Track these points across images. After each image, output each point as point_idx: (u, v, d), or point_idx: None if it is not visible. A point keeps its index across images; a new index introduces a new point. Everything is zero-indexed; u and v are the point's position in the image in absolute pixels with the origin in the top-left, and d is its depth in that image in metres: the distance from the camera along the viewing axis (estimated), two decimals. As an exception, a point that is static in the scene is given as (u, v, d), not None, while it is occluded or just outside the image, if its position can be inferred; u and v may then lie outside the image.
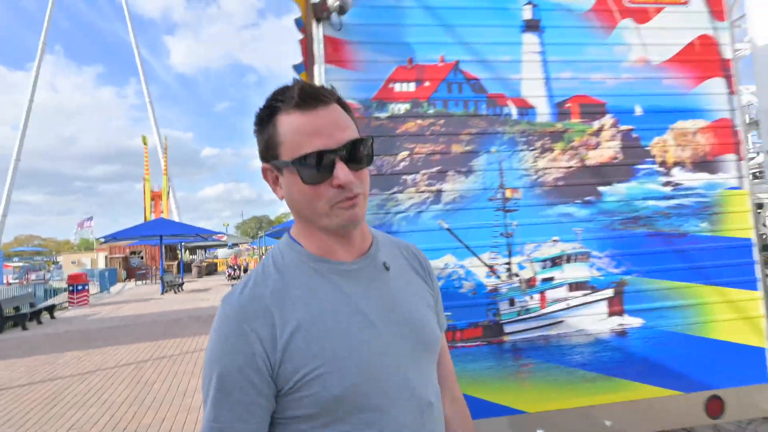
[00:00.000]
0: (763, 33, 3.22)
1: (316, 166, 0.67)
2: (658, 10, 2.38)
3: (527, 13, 2.29)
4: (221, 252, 34.13)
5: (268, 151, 0.72)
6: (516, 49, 2.26)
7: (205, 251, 41.17)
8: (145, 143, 33.64)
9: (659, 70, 2.36)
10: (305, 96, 0.68)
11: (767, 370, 2.30)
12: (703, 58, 2.40)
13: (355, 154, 0.69)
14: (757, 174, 7.30)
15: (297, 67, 2.15)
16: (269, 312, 0.67)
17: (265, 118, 0.72)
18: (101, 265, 25.00)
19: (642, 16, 2.37)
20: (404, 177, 2.12)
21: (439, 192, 2.13)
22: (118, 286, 20.17)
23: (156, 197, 34.73)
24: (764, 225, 7.75)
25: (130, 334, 7.88)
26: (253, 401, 0.65)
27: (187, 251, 38.42)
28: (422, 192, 2.12)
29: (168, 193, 34.05)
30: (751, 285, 2.33)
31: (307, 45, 2.15)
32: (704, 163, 2.36)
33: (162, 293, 15.42)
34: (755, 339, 2.31)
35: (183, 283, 16.43)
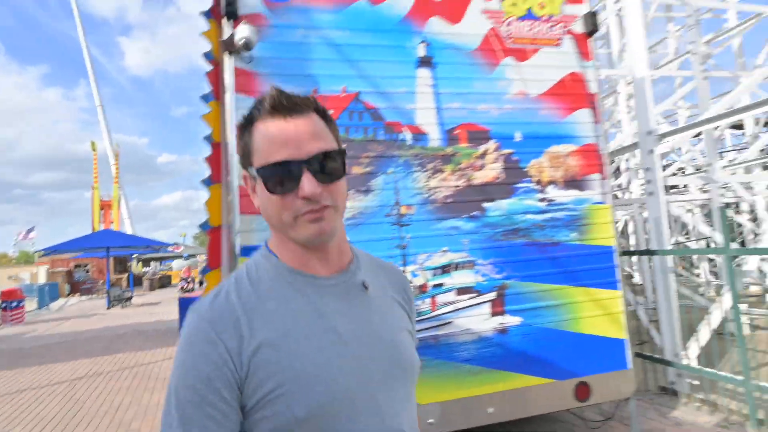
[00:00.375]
0: (640, 67, 3.75)
1: (282, 176, 0.65)
2: (535, 50, 2.77)
3: (421, 51, 2.60)
4: (176, 264, 32.87)
5: (244, 159, 0.72)
6: (411, 82, 2.57)
7: (160, 263, 39.50)
8: (94, 149, 32.04)
9: (536, 101, 2.74)
10: (277, 105, 0.67)
11: (626, 358, 2.71)
12: (572, 92, 2.81)
13: (326, 165, 0.67)
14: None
15: (205, 97, 2.34)
16: (238, 323, 0.64)
17: (243, 126, 0.71)
18: (42, 279, 23.46)
19: (521, 55, 2.75)
20: (309, 195, 2.35)
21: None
22: (61, 301, 19.02)
23: (106, 206, 33.09)
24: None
25: (66, 352, 7.57)
26: (224, 414, 0.61)
27: (140, 263, 36.72)
28: (325, 209, 2.36)
29: (119, 201, 32.57)
30: (612, 285, 2.73)
31: (218, 75, 2.34)
32: (574, 182, 2.75)
33: (108, 308, 14.74)
34: (616, 332, 2.71)
35: (131, 297, 15.77)
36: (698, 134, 5.22)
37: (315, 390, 0.63)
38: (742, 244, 7.80)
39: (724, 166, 6.14)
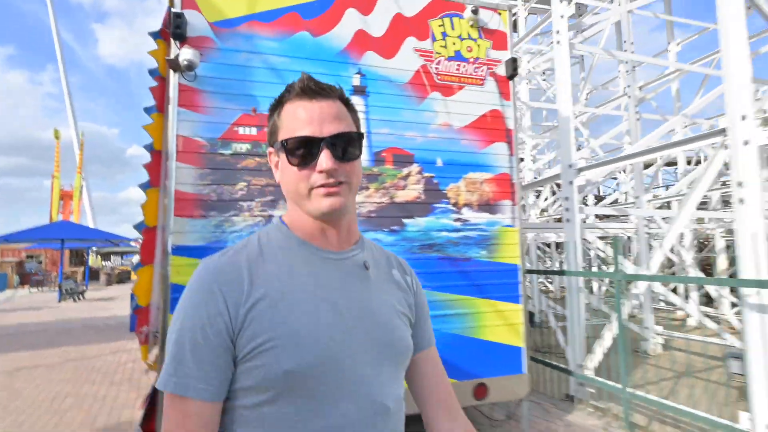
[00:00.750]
0: (563, 106, 4.19)
1: (304, 150, 0.71)
2: (461, 87, 3.13)
3: (356, 81, 2.91)
4: (137, 258, 31.86)
5: (272, 136, 0.78)
6: (344, 108, 2.86)
7: (122, 257, 38.20)
8: (57, 137, 30.87)
9: (458, 133, 3.09)
10: (306, 88, 0.73)
11: (522, 364, 3.06)
12: (492, 127, 3.18)
13: (342, 146, 0.72)
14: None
15: (148, 109, 2.55)
16: (242, 278, 0.69)
17: (273, 108, 0.78)
18: (-10, 268, 22.34)
19: (448, 91, 3.10)
20: (241, 203, 2.59)
21: (270, 217, 2.63)
22: (8, 293, 18.23)
23: (66, 196, 31.86)
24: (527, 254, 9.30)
25: (9, 344, 7.39)
26: (213, 361, 0.65)
27: (99, 257, 35.42)
28: (255, 216, 2.61)
29: (81, 192, 31.43)
30: (515, 299, 3.09)
31: (162, 90, 2.56)
32: (487, 206, 3.11)
33: (59, 301, 14.29)
34: (515, 340, 3.06)
35: (85, 291, 15.33)
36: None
37: (305, 348, 0.66)
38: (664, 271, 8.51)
39: (649, 200, 6.73)
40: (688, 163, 8.59)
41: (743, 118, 2.70)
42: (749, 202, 2.63)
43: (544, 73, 9.87)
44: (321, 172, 0.70)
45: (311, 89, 0.73)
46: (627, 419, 3.23)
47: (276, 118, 0.77)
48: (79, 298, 14.69)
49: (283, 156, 0.74)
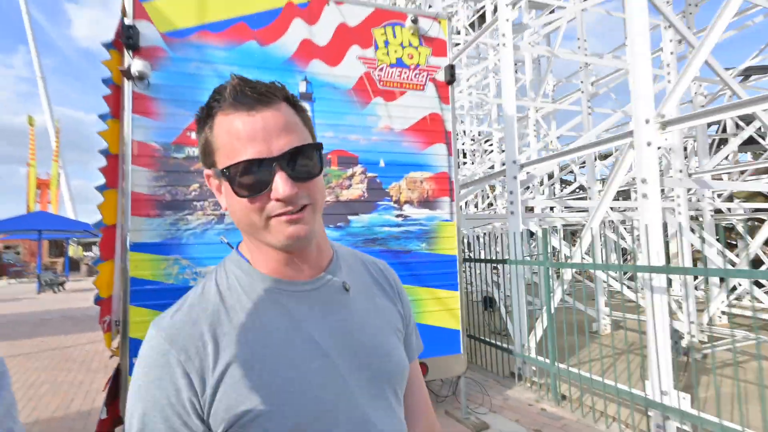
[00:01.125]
0: (508, 105, 4.47)
1: (251, 176, 0.58)
2: (402, 93, 3.38)
3: (302, 87, 3.13)
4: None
5: (206, 157, 0.64)
6: (292, 113, 3.09)
7: (103, 247, 37.64)
8: (31, 124, 30.04)
9: (400, 135, 3.35)
10: (239, 94, 0.59)
11: (460, 345, 3.39)
12: (432, 129, 3.45)
13: (299, 163, 0.60)
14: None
15: (103, 116, 2.74)
16: (203, 339, 0.58)
17: (202, 120, 0.64)
18: (-34, 260, 22.01)
19: (390, 96, 3.35)
20: (194, 203, 2.82)
21: (222, 215, 2.87)
22: (-14, 284, 18.07)
23: (43, 185, 31.24)
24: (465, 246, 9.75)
25: (-15, 335, 7.53)
26: None
27: (81, 247, 34.97)
28: (208, 215, 2.85)
29: (59, 180, 30.85)
30: (453, 287, 3.41)
31: (117, 98, 2.75)
32: (427, 202, 3.40)
33: (38, 292, 14.29)
34: (453, 324, 3.38)
35: (65, 282, 15.33)
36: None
37: (294, 409, 0.57)
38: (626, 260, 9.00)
39: (600, 190, 7.13)
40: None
41: (647, 121, 3.02)
42: (651, 197, 2.97)
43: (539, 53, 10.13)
44: (278, 200, 0.58)
45: (247, 96, 0.59)
46: (555, 391, 3.62)
47: (208, 133, 0.62)
48: (58, 289, 14.70)
49: (226, 184, 0.60)
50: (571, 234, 11.14)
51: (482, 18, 11.32)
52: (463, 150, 12.50)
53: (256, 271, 0.65)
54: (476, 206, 12.87)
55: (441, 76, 3.49)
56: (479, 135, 11.89)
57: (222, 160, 0.61)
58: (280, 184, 0.58)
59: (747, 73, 7.58)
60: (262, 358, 0.59)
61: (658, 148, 3.07)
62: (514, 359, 4.30)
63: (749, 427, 2.45)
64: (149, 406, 0.55)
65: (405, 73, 3.39)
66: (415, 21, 3.38)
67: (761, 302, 5.86)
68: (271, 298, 0.64)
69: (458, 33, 9.85)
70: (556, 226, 6.55)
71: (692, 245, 5.12)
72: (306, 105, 3.11)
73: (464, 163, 12.12)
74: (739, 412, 2.56)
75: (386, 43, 3.36)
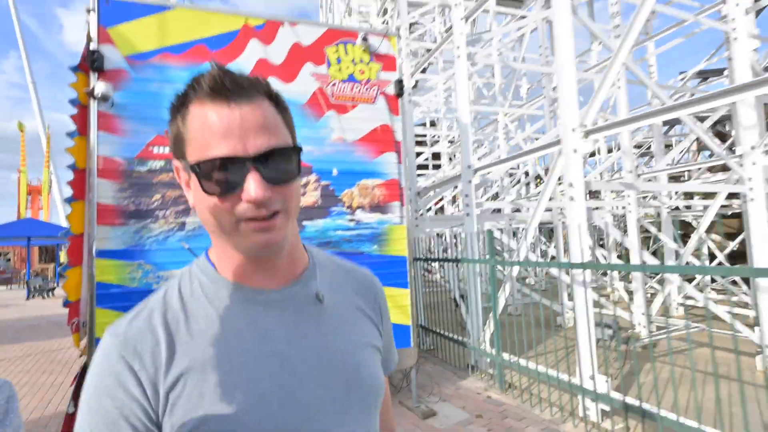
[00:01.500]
0: (463, 114, 4.76)
1: (222, 174, 0.53)
2: (354, 106, 3.65)
3: (259, 103, 3.39)
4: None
5: (176, 147, 0.59)
6: (248, 127, 3.35)
7: (95, 253, 37.57)
8: (21, 130, 30.07)
9: (352, 145, 3.62)
10: (218, 85, 0.54)
11: (410, 339, 3.66)
12: (383, 139, 3.72)
13: (276, 165, 0.56)
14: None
15: (70, 134, 2.99)
16: (157, 346, 0.55)
17: (176, 108, 0.58)
18: (-45, 267, 22.00)
19: (342, 109, 3.61)
20: (157, 212, 3.07)
21: (184, 223, 3.12)
22: (-25, 291, 18.12)
23: (35, 191, 31.22)
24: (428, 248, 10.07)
25: (-28, 340, 7.70)
26: None
27: (71, 253, 34.84)
28: (170, 223, 3.10)
29: (50, 186, 30.84)
30: (404, 285, 3.68)
31: (83, 116, 2.99)
32: (378, 207, 3.66)
33: (27, 299, 14.41)
34: (404, 319, 3.65)
35: (54, 288, 15.45)
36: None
37: (253, 427, 0.53)
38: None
39: (562, 191, 7.45)
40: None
41: (573, 130, 3.31)
42: (577, 199, 3.25)
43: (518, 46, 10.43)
44: (249, 202, 0.54)
45: (226, 88, 0.55)
46: (500, 380, 3.90)
47: (180, 123, 0.57)
48: (48, 295, 14.82)
49: (195, 179, 0.56)
50: (547, 232, 11.48)
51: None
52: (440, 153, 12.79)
53: (222, 278, 0.62)
54: (458, 206, 13.18)
55: (391, 90, 3.76)
56: (457, 138, 12.21)
57: (193, 153, 0.56)
58: (252, 186, 0.53)
59: (704, 75, 7.94)
60: (219, 371, 0.55)
61: (594, 154, 3.36)
62: (470, 352, 4.58)
63: (664, 407, 2.74)
64: (101, 416, 0.51)
65: (357, 87, 3.66)
66: (365, 39, 3.65)
67: (699, 296, 6.17)
68: (236, 307, 0.60)
69: (435, 41, 10.14)
70: (501, 228, 6.86)
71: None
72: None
73: (439, 166, 12.40)
74: (674, 394, 2.84)
75: (338, 60, 3.63)
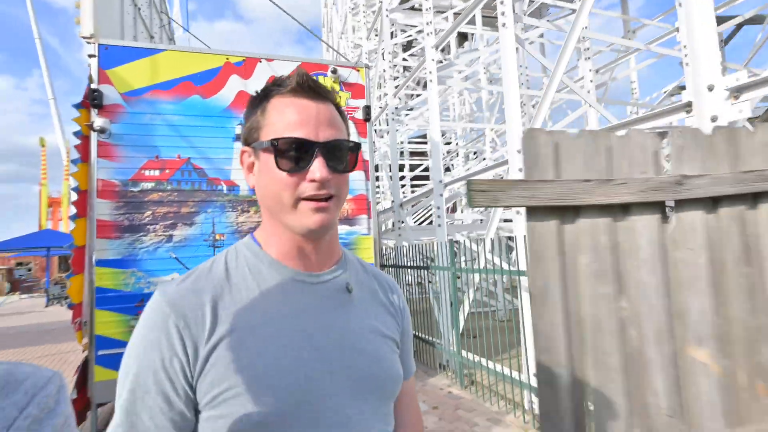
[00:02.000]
0: (434, 131, 5.16)
1: (295, 153, 0.62)
2: (325, 130, 4.08)
3: (238, 130, 3.84)
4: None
5: (249, 134, 0.68)
6: (229, 151, 3.81)
7: (112, 262, 38.69)
8: (42, 145, 31.49)
9: (323, 165, 4.04)
10: (302, 84, 0.64)
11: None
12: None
13: (337, 155, 0.64)
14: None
15: (74, 161, 3.48)
16: (203, 310, 0.59)
17: (257, 102, 0.68)
18: (-20, 277, 23.10)
19: (314, 133, 4.05)
20: (148, 227, 3.54)
21: (171, 236, 3.58)
22: (-1, 299, 19.04)
23: (55, 203, 32.50)
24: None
25: (-6, 344, 8.30)
26: (165, 412, 0.56)
27: (89, 262, 36.02)
28: (159, 236, 3.56)
29: (69, 199, 32.06)
30: (370, 290, 4.06)
31: (86, 146, 3.49)
32: (347, 220, 4.07)
33: (46, 306, 15.16)
34: (371, 321, 4.04)
35: (71, 296, 16.18)
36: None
37: (276, 395, 0.57)
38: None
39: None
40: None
41: (518, 151, 3.68)
42: (523, 213, 3.61)
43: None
44: (313, 181, 0.62)
45: (309, 87, 0.65)
46: (460, 375, 4.24)
47: (259, 114, 0.67)
48: (66, 303, 15.55)
49: (266, 158, 0.64)
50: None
51: (463, 37, 12.09)
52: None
53: (265, 255, 0.67)
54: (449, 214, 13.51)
55: (360, 115, 4.19)
56: (448, 153, 12.62)
57: (267, 134, 0.64)
58: (318, 167, 0.62)
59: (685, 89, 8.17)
60: (254, 338, 0.60)
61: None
62: (441, 353, 4.92)
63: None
64: (144, 365, 0.57)
65: (326, 113, 4.09)
66: (334, 71, 4.09)
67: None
68: (275, 283, 0.65)
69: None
70: (458, 240, 7.18)
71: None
72: (240, 144, 3.86)
73: (428, 177, 12.78)
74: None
75: (310, 90, 4.07)
